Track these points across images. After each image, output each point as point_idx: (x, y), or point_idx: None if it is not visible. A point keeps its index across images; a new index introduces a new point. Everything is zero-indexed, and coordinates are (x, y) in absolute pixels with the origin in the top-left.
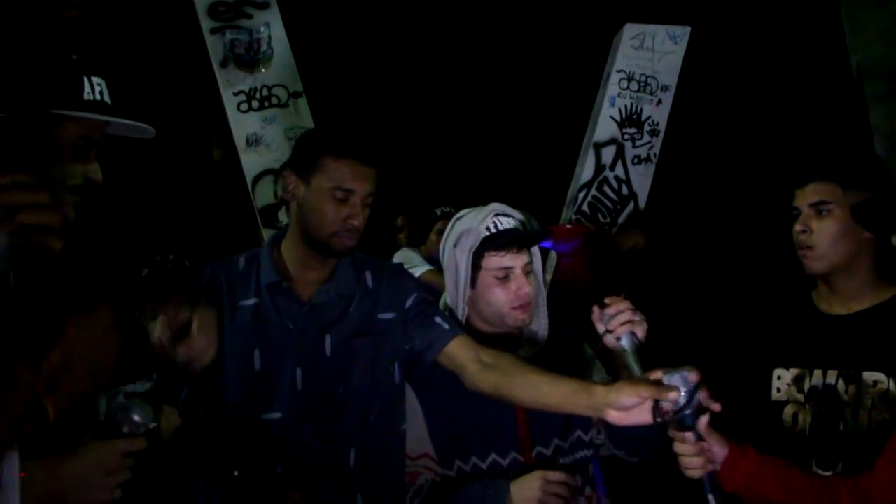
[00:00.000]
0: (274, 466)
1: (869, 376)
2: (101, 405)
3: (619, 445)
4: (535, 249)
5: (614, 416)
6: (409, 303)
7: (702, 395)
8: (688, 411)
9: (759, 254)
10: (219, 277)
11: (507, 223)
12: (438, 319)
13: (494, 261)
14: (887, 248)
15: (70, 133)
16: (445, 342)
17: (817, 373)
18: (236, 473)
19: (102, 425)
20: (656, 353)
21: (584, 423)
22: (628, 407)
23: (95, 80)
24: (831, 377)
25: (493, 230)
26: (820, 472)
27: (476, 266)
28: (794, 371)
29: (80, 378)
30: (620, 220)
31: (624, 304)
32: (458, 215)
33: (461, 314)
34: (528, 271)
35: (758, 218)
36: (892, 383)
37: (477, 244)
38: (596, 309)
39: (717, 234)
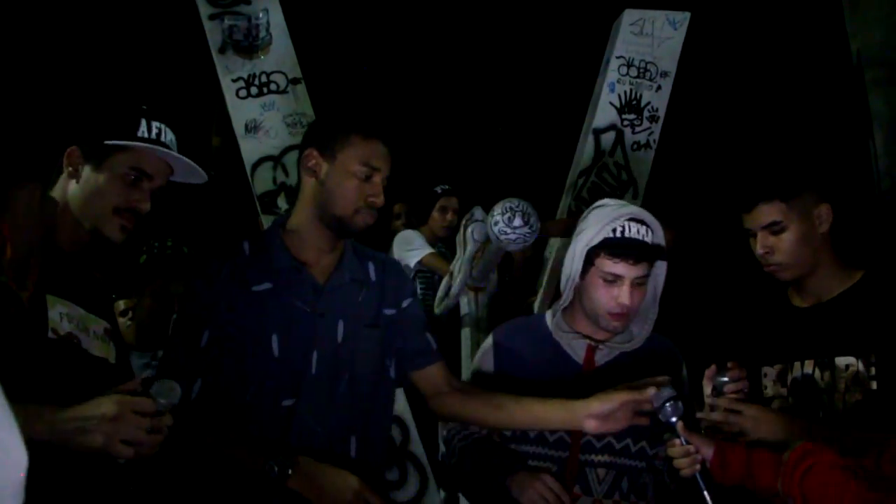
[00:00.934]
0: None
1: (841, 361)
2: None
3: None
4: (661, 264)
5: (591, 425)
6: (405, 303)
7: (679, 404)
8: (673, 419)
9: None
10: (226, 266)
11: (634, 231)
12: (429, 336)
13: (607, 264)
14: (843, 236)
15: (122, 163)
16: (430, 362)
17: (797, 365)
18: (290, 472)
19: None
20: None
21: (639, 433)
22: (604, 413)
23: (155, 123)
24: (808, 367)
25: (618, 235)
26: None
27: (590, 260)
28: (777, 367)
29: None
30: None
31: (743, 381)
32: (600, 203)
33: (566, 295)
34: (638, 284)
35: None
36: (861, 364)
37: (594, 243)
38: (713, 369)
39: (717, 220)
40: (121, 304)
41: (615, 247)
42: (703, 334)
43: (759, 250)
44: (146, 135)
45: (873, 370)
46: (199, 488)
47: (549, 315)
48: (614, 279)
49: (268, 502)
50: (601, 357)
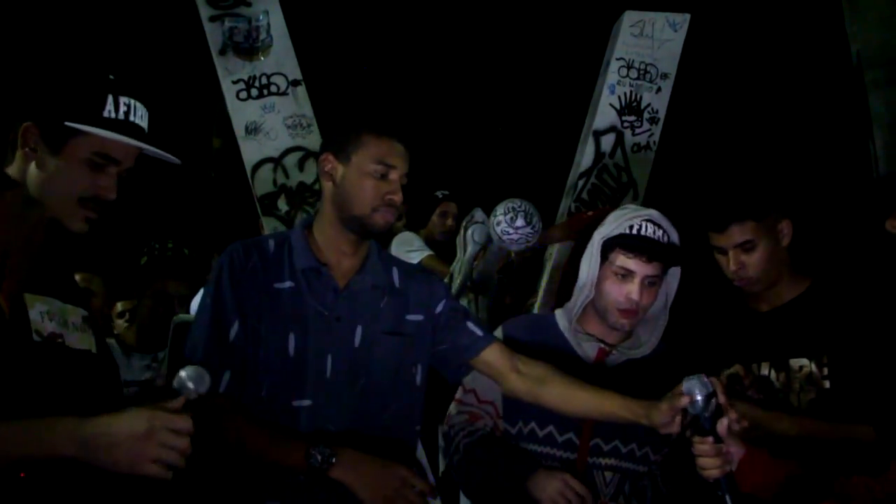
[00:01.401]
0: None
1: (795, 362)
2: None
3: (666, 480)
4: (675, 271)
5: (669, 427)
6: (439, 308)
7: (721, 399)
8: (706, 414)
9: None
10: (252, 257)
11: (650, 231)
12: (472, 325)
13: (621, 258)
14: (797, 247)
15: (83, 146)
16: (482, 347)
17: (754, 367)
18: (333, 461)
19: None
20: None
21: (645, 439)
22: (666, 424)
23: (124, 99)
24: (765, 368)
25: (634, 232)
26: None
27: (605, 256)
28: (736, 368)
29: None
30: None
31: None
32: (622, 206)
33: (587, 291)
34: (650, 283)
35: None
36: (814, 366)
37: (610, 236)
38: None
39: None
40: (118, 306)
41: (630, 242)
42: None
43: (731, 267)
44: (112, 114)
45: (825, 370)
46: (224, 482)
47: (559, 314)
48: (626, 274)
49: (298, 496)
50: (611, 360)
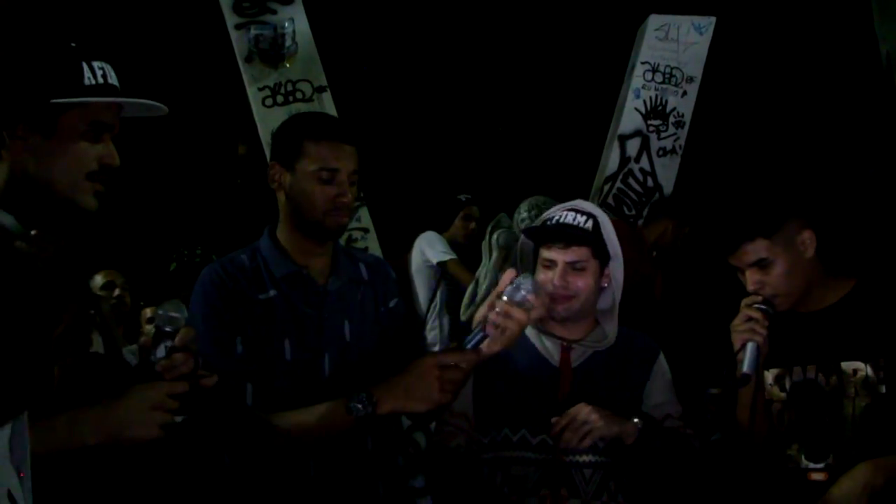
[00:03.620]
0: (307, 458)
1: (848, 366)
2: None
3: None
4: (616, 260)
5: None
6: (392, 303)
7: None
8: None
9: None
10: (232, 274)
11: (570, 219)
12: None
13: (543, 251)
14: (827, 252)
15: (77, 120)
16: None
17: (797, 370)
18: (375, 401)
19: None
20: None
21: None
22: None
23: (97, 64)
24: (811, 372)
25: (551, 223)
26: (811, 465)
27: (537, 253)
28: (774, 371)
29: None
30: (645, 212)
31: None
32: (542, 199)
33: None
34: (575, 268)
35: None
36: (869, 369)
37: (529, 231)
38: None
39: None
40: (147, 312)
41: (544, 233)
42: (703, 338)
43: (749, 287)
44: (93, 81)
45: (882, 374)
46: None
47: None
48: (550, 264)
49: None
50: (576, 357)
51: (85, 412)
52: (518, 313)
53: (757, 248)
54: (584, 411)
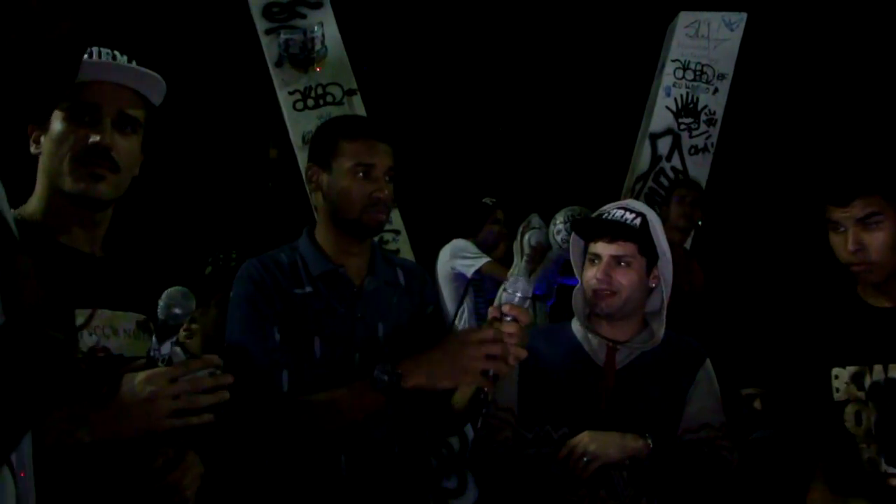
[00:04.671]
0: (338, 455)
1: None
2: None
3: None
4: (665, 257)
5: None
6: (429, 310)
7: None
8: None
9: (815, 247)
10: (270, 270)
11: (618, 216)
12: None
13: (590, 245)
14: None
15: (60, 108)
16: None
17: (877, 368)
18: (400, 372)
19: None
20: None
21: (659, 433)
22: None
23: (104, 50)
24: (893, 371)
25: (602, 217)
26: (890, 469)
27: (585, 249)
28: (851, 369)
29: None
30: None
31: None
32: (578, 209)
33: (580, 287)
34: (620, 263)
35: (816, 209)
36: None
37: (570, 222)
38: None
39: (777, 225)
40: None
41: (591, 226)
42: (764, 335)
43: (850, 247)
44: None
45: None
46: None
47: (574, 319)
48: (595, 258)
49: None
50: (622, 358)
51: (82, 408)
52: (523, 316)
53: (871, 203)
54: (582, 443)
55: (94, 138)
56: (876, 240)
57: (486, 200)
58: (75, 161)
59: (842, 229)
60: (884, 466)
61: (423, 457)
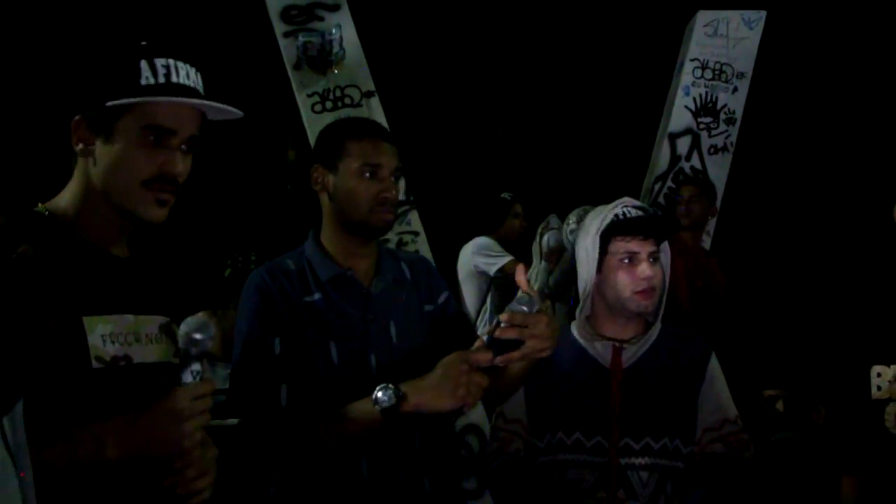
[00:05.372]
0: (359, 458)
1: None
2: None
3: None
4: (665, 246)
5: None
6: (441, 298)
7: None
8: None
9: (844, 246)
10: (277, 278)
11: (635, 213)
12: (465, 321)
13: (621, 245)
14: None
15: (132, 124)
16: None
17: None
18: (402, 393)
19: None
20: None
21: (676, 431)
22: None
23: (160, 61)
24: None
25: (622, 217)
26: None
27: (603, 251)
28: (895, 368)
29: None
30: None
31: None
32: (592, 209)
33: (590, 290)
34: (654, 259)
35: (842, 208)
36: None
37: (604, 227)
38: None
39: (799, 225)
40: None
41: (624, 224)
42: (805, 331)
43: None
44: (151, 80)
45: None
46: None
47: (573, 323)
48: (631, 257)
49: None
50: (628, 357)
51: (110, 425)
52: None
53: None
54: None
55: (171, 168)
56: None
57: (504, 195)
58: (144, 185)
59: None
60: None
61: (445, 454)
